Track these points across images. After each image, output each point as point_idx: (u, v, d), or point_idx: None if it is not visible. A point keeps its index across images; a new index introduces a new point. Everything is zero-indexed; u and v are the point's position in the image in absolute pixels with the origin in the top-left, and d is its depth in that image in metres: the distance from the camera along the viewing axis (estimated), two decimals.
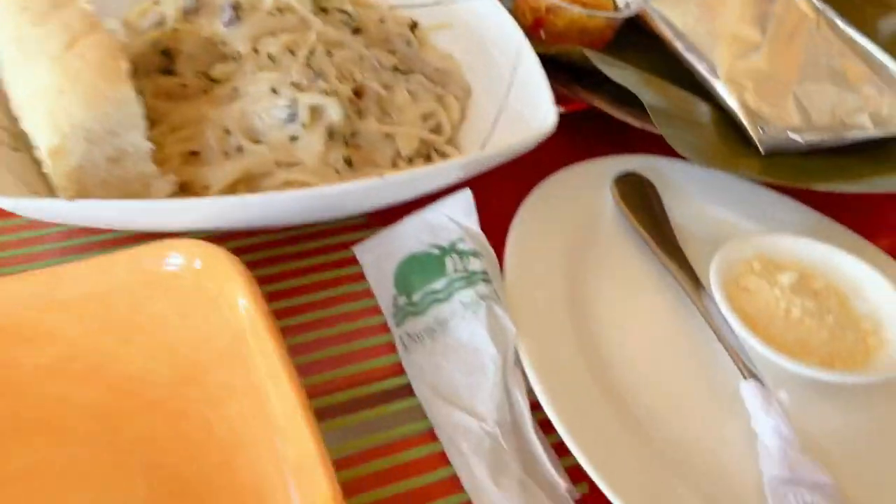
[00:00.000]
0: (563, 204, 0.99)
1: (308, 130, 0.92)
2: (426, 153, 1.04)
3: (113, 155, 0.81)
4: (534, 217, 0.95)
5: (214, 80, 0.95)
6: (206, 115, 0.92)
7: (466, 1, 1.22)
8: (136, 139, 0.81)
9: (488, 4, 1.17)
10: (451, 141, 1.06)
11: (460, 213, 0.90)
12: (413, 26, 1.23)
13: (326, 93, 0.94)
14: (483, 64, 1.15)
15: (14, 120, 0.92)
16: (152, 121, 0.93)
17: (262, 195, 0.79)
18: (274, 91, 0.92)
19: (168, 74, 0.97)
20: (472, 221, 0.90)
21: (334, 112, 0.93)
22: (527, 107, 1.01)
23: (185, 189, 0.90)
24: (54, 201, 0.76)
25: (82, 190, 0.81)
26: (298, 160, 0.92)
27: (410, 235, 0.90)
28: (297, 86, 0.93)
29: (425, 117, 1.05)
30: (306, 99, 0.91)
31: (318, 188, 0.80)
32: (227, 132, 0.91)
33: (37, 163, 0.90)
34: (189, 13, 1.02)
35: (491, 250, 0.88)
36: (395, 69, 1.09)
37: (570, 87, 1.10)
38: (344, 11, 1.12)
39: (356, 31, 1.11)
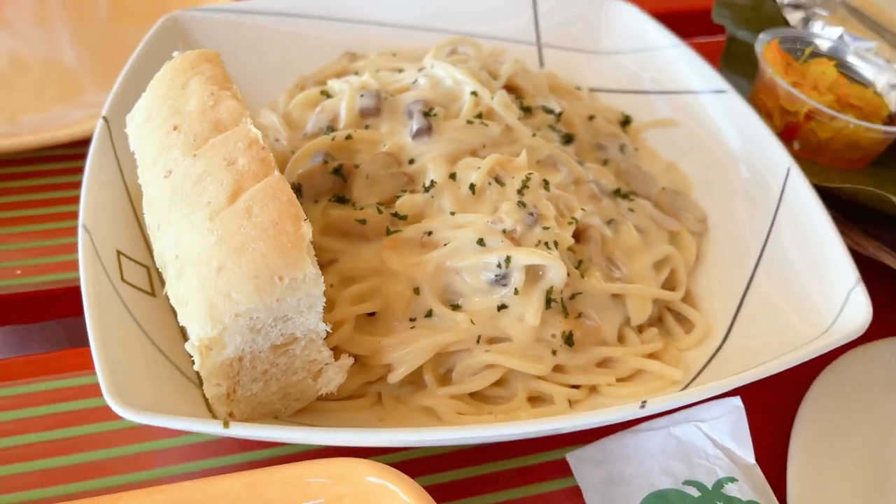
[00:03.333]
0: (856, 409, 0.72)
1: (521, 298, 0.69)
2: (658, 316, 0.79)
3: (279, 342, 0.60)
4: (818, 433, 0.69)
5: (401, 217, 0.73)
6: (390, 266, 0.70)
7: (696, 94, 0.96)
8: (312, 322, 0.60)
9: (732, 102, 0.91)
10: (689, 296, 0.81)
11: (726, 431, 0.66)
12: (625, 122, 0.98)
13: (546, 245, 0.71)
14: (720, 178, 0.89)
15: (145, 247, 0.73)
16: (319, 266, 0.72)
17: (463, 430, 0.57)
18: (481, 243, 0.69)
19: (341, 202, 0.75)
20: (744, 448, 0.65)
21: (556, 274, 0.69)
22: (807, 269, 0.74)
23: (360, 363, 0.68)
24: (208, 425, 0.56)
25: (234, 384, 0.60)
26: (505, 335, 0.69)
27: (653, 458, 0.66)
28: (510, 235, 0.70)
29: (658, 265, 0.80)
30: (523, 257, 0.68)
31: (558, 420, 0.58)
32: (417, 292, 0.69)
33: (172, 311, 0.71)
34: (367, 114, 0.81)
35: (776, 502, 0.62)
36: (617, 193, 0.85)
37: (850, 234, 0.82)
38: (549, 111, 0.89)
39: (567, 139, 0.87)
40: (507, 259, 0.68)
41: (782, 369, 0.62)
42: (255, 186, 0.60)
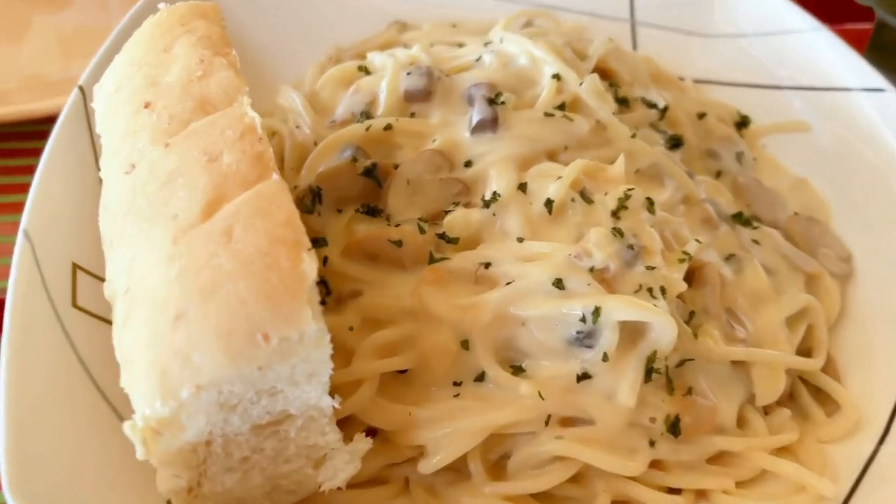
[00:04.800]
0: None
1: (611, 366, 0.49)
2: (789, 390, 0.58)
3: (263, 421, 0.42)
4: None
5: (449, 239, 0.54)
6: (430, 307, 0.52)
7: (841, 92, 0.74)
8: (312, 395, 0.42)
9: (892, 102, 0.69)
10: (830, 364, 0.60)
11: None
12: (742, 123, 0.77)
13: (650, 291, 0.51)
14: (873, 202, 0.69)
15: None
16: (336, 299, 0.54)
17: None
18: (559, 284, 0.49)
19: (371, 213, 0.57)
20: None
21: (662, 333, 0.50)
22: None
23: (382, 438, 0.50)
24: None
25: (200, 476, 0.42)
26: (586, 416, 0.50)
27: None
28: (600, 275, 0.50)
29: (791, 321, 0.59)
30: (618, 310, 0.49)
31: None
32: (465, 346, 0.51)
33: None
34: (413, 98, 0.62)
35: None
36: (737, 218, 0.64)
37: None
38: (652, 105, 0.69)
39: (674, 142, 0.67)
40: (596, 311, 0.50)
41: None
42: (241, 196, 0.42)
